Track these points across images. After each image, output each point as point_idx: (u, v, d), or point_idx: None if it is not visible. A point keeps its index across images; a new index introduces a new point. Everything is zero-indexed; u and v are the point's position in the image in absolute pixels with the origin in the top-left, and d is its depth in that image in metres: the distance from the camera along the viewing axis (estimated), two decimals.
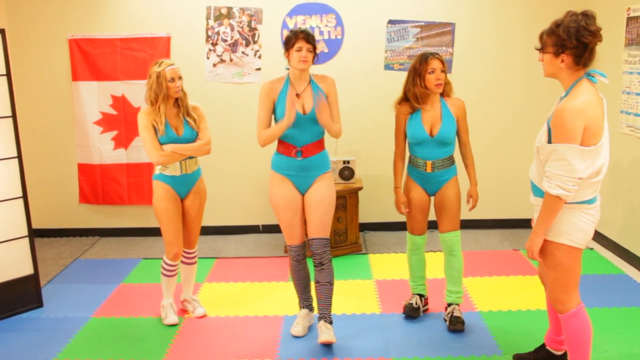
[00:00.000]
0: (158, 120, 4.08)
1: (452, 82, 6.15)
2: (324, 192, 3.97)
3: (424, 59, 4.03)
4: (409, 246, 4.40)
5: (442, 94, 4.13)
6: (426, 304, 4.48)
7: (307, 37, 3.80)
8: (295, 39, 3.78)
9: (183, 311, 4.59)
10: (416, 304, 4.39)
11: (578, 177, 2.89)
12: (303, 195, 4.00)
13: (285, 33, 3.90)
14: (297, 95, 3.88)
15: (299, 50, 3.78)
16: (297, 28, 3.93)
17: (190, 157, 4.25)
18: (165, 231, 4.28)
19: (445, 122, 4.06)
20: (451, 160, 4.17)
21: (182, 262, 4.51)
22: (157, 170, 4.22)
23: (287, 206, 3.95)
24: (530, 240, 3.10)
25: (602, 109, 2.96)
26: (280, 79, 3.96)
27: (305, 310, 4.26)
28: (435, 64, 4.01)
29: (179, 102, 4.21)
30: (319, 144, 3.97)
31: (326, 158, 4.03)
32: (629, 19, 5.22)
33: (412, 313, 4.37)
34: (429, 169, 4.14)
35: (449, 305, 4.28)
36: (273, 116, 3.97)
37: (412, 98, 4.08)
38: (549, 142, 2.97)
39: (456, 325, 4.15)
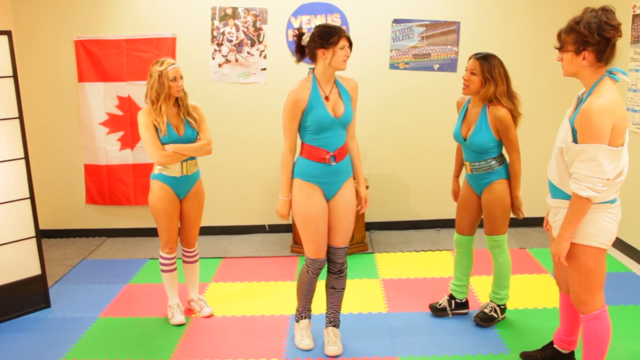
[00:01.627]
0: (159, 120, 4.07)
1: (458, 81, 6.15)
2: (352, 199, 3.81)
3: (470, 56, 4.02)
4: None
5: (488, 101, 3.94)
6: (461, 306, 4.38)
7: (348, 35, 3.60)
8: (339, 37, 3.53)
9: (190, 311, 4.60)
10: (440, 305, 4.39)
11: (607, 178, 2.82)
12: (328, 201, 3.78)
13: (315, 29, 3.60)
14: (327, 98, 3.64)
15: (343, 48, 3.54)
16: (331, 24, 3.68)
17: (191, 158, 4.25)
18: (162, 230, 4.29)
19: (478, 128, 3.95)
20: (490, 165, 4.01)
21: (184, 261, 4.53)
22: (157, 169, 4.21)
23: (319, 217, 3.70)
24: (557, 244, 3.01)
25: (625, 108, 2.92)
26: (305, 82, 3.64)
27: (306, 321, 4.10)
28: (469, 63, 3.96)
29: (179, 102, 4.19)
30: (345, 147, 3.77)
31: (350, 161, 3.85)
32: (635, 16, 5.21)
33: (434, 312, 4.39)
34: (468, 170, 4.12)
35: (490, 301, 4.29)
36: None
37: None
38: (574, 142, 2.90)
39: (475, 319, 4.22)
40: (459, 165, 4.39)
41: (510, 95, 3.96)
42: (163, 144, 4.11)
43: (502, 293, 4.20)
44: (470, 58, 3.98)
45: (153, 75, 4.06)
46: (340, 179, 3.76)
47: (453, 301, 4.39)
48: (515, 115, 3.97)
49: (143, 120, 4.08)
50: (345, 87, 3.73)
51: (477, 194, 4.16)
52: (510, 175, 4.05)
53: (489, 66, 3.88)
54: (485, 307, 4.24)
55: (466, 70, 3.96)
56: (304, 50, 3.68)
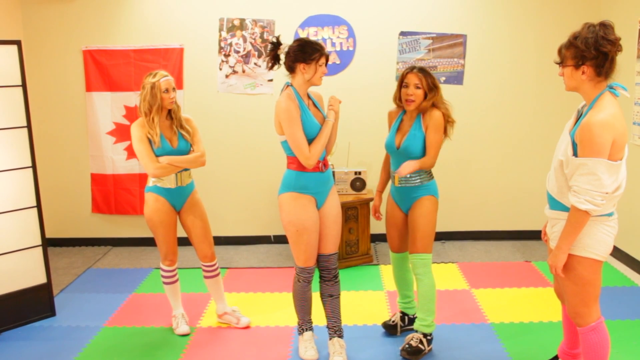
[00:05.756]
0: (153, 132, 4.06)
1: (464, 94, 6.18)
2: (338, 205, 3.90)
3: (405, 71, 3.91)
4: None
5: (422, 111, 3.90)
6: (413, 321, 4.24)
7: (327, 53, 3.67)
8: (321, 54, 3.60)
9: (194, 321, 4.60)
10: (392, 321, 4.33)
11: (605, 191, 2.85)
12: (318, 211, 3.84)
13: (295, 42, 3.67)
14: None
15: (322, 65, 3.63)
16: (312, 40, 3.70)
17: (185, 170, 4.25)
18: (161, 242, 4.28)
19: (412, 135, 3.88)
20: (422, 178, 3.95)
21: (206, 277, 4.48)
22: (151, 182, 4.20)
23: (312, 228, 3.75)
24: (554, 256, 3.04)
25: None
26: (290, 95, 3.65)
27: (310, 333, 4.08)
28: (410, 78, 3.88)
29: (172, 115, 4.19)
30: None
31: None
32: None
33: (386, 329, 4.34)
34: (396, 183, 4.02)
35: (415, 330, 4.05)
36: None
37: (396, 100, 4.00)
38: (574, 155, 2.93)
39: (402, 353, 3.97)
40: (384, 181, 4.29)
41: (444, 102, 3.93)
42: (157, 156, 4.11)
43: (429, 320, 3.98)
44: (406, 73, 3.89)
45: (145, 87, 4.06)
46: (329, 187, 3.86)
47: (406, 317, 4.33)
48: (449, 121, 3.91)
49: (136, 132, 4.09)
50: (315, 97, 3.84)
51: (403, 210, 4.08)
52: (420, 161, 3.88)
53: (431, 78, 3.86)
54: (412, 340, 3.99)
55: (408, 85, 3.85)
56: (278, 59, 3.74)
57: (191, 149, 4.24)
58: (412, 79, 3.85)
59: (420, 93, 3.85)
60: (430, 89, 3.84)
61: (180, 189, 4.24)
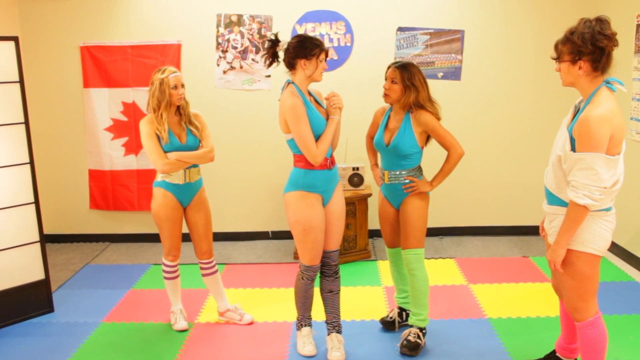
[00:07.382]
0: (161, 128, 4.06)
1: (462, 89, 6.18)
2: (343, 202, 3.90)
3: (387, 66, 3.93)
4: None
5: (409, 110, 3.88)
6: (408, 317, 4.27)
7: (327, 48, 3.65)
8: (321, 49, 3.58)
9: (192, 317, 4.60)
10: (390, 317, 4.34)
11: (604, 186, 2.86)
12: (324, 208, 3.83)
13: (295, 38, 3.66)
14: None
15: (322, 61, 3.61)
16: (311, 36, 3.70)
17: (194, 166, 4.25)
18: (165, 237, 4.28)
19: (401, 132, 3.87)
20: (411, 175, 3.94)
21: (204, 274, 4.47)
22: (160, 177, 4.20)
23: (319, 227, 3.73)
24: (553, 251, 3.04)
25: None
26: (293, 92, 3.62)
27: (308, 328, 4.09)
28: (388, 73, 3.90)
29: (181, 110, 4.19)
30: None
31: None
32: (639, 25, 5.22)
33: (384, 325, 4.35)
34: (386, 180, 4.03)
35: (410, 325, 4.07)
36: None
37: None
38: (572, 150, 2.94)
39: (402, 349, 3.97)
40: (375, 156, 4.31)
41: (431, 101, 3.92)
42: (165, 152, 4.11)
43: (424, 314, 3.99)
44: (389, 67, 3.92)
45: (154, 83, 4.06)
46: (335, 184, 3.84)
47: (404, 313, 4.34)
48: (437, 119, 3.91)
49: (145, 129, 4.09)
50: (315, 94, 3.81)
51: (394, 206, 4.08)
52: (441, 168, 3.94)
53: (409, 74, 3.82)
54: (409, 335, 4.00)
55: (386, 79, 3.91)
56: (276, 56, 3.73)
57: (200, 144, 4.24)
58: (390, 74, 3.88)
59: (397, 88, 3.85)
60: (407, 86, 3.82)
61: (188, 185, 4.24)
